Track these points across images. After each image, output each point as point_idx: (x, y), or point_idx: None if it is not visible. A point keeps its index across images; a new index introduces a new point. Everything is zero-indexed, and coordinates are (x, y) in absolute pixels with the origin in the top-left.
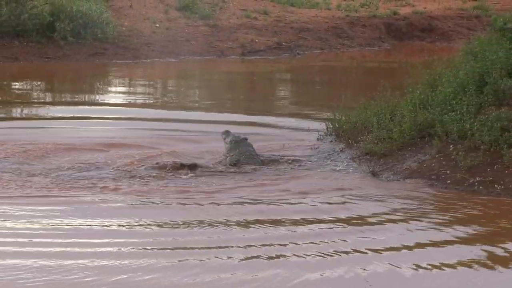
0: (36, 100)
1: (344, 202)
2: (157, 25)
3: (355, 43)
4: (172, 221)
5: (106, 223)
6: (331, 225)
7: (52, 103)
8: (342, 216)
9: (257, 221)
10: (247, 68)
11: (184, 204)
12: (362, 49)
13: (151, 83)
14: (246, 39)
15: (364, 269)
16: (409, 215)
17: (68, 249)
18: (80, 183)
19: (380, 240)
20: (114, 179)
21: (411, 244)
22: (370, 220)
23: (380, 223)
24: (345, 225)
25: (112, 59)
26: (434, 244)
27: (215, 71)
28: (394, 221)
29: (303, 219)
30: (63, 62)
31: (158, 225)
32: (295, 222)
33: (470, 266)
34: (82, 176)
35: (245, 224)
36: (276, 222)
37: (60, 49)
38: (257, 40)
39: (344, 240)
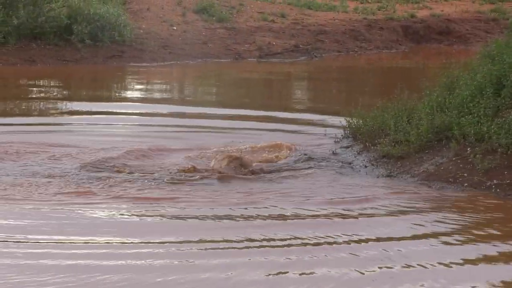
0: (53, 100)
1: (371, 214)
2: (175, 27)
3: (373, 45)
4: (194, 233)
5: (127, 235)
6: (357, 238)
7: (70, 100)
8: (371, 228)
9: (282, 233)
10: (264, 70)
11: (207, 214)
12: (380, 51)
13: (172, 84)
14: (263, 41)
15: None
16: (445, 227)
17: (91, 261)
18: (99, 187)
19: (415, 255)
20: (132, 184)
21: (450, 261)
22: (399, 234)
23: (415, 237)
24: (375, 237)
25: (129, 61)
26: (470, 261)
27: (233, 73)
28: (433, 234)
29: (327, 231)
30: (81, 65)
31: (180, 237)
32: (318, 235)
33: None
34: (101, 178)
35: (273, 237)
36: (300, 235)
37: (78, 51)
38: (274, 43)
39: (374, 253)
